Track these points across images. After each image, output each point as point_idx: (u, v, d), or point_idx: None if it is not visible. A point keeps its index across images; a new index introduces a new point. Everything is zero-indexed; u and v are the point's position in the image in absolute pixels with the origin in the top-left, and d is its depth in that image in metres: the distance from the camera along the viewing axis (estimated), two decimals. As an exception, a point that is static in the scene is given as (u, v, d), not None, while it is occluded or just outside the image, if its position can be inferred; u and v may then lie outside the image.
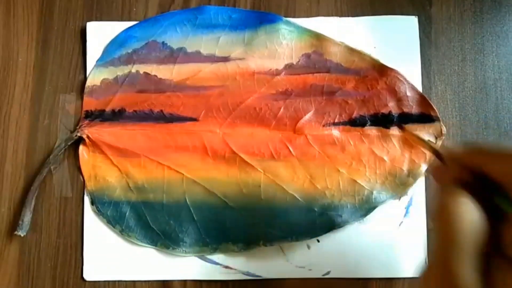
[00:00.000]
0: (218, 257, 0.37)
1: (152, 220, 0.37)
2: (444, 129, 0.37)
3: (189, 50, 0.38)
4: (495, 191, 0.20)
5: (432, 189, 0.38)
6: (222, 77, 0.38)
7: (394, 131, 0.38)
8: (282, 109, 0.38)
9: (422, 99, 0.38)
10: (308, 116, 0.38)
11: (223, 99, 0.38)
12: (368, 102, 0.38)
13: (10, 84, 0.39)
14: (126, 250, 0.37)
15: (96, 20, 0.40)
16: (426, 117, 0.38)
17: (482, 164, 0.20)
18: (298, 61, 0.38)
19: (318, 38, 0.38)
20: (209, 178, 0.37)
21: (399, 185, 0.37)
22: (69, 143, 0.38)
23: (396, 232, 0.37)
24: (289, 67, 0.38)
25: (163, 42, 0.39)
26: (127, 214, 0.37)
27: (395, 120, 0.38)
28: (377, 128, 0.38)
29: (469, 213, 0.18)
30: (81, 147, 0.38)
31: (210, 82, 0.38)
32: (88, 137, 0.38)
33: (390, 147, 0.38)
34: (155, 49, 0.38)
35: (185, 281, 0.37)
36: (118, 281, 0.37)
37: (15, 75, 0.39)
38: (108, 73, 0.38)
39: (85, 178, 0.38)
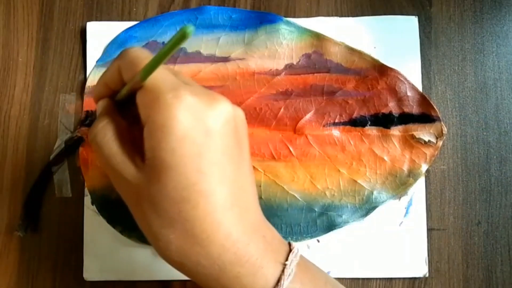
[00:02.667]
0: (218, 257, 0.37)
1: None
2: (445, 129, 0.37)
3: (189, 50, 0.38)
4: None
5: (430, 189, 0.38)
6: (222, 77, 0.38)
7: (395, 131, 0.38)
8: (282, 109, 0.38)
9: (423, 99, 0.38)
10: (308, 116, 0.38)
11: (223, 99, 0.38)
12: (369, 102, 0.38)
13: (10, 84, 0.39)
14: (126, 250, 0.37)
15: (96, 20, 0.40)
16: (426, 117, 0.38)
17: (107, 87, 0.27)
18: (299, 61, 0.38)
19: (318, 38, 0.38)
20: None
21: (399, 185, 0.37)
22: (69, 143, 0.38)
23: (396, 232, 0.37)
24: (289, 67, 0.38)
25: (163, 43, 0.39)
26: (127, 214, 0.37)
27: (395, 120, 0.38)
28: (377, 128, 0.38)
29: (103, 132, 0.25)
30: (81, 147, 0.38)
31: (210, 82, 0.38)
32: (88, 137, 0.38)
33: (391, 147, 0.38)
34: (155, 49, 0.38)
35: (185, 281, 0.37)
36: (118, 281, 0.37)
37: (15, 75, 0.39)
38: (108, 73, 0.38)
39: (85, 178, 0.38)
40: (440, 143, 0.37)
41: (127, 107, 0.27)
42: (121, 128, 0.26)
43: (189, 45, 0.39)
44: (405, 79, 0.38)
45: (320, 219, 0.37)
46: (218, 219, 0.24)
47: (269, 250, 0.25)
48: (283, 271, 0.25)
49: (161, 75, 0.24)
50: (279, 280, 0.24)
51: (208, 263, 0.24)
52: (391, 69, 0.38)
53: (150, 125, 0.23)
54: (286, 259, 0.25)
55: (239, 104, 0.38)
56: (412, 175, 0.37)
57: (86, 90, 0.38)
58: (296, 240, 0.37)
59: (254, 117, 0.38)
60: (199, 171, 0.23)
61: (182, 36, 0.20)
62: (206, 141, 0.23)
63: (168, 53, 0.22)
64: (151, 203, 0.24)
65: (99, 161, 0.26)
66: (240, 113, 0.26)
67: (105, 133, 0.25)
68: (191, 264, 0.24)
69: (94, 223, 0.37)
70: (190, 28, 0.19)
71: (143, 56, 0.24)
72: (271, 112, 0.38)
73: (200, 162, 0.23)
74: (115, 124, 0.26)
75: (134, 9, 0.40)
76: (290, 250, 0.26)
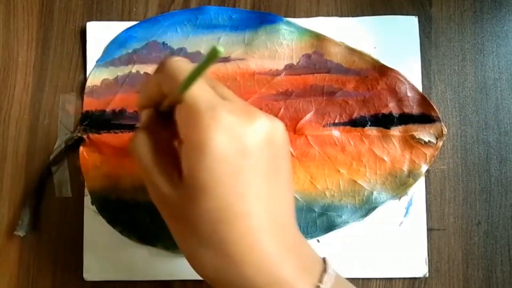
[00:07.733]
0: (218, 257, 0.37)
1: (152, 220, 0.37)
2: (445, 129, 0.37)
3: (189, 51, 0.38)
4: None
5: (430, 189, 0.38)
6: (223, 77, 0.38)
7: (395, 131, 0.38)
8: (282, 110, 0.38)
9: (423, 100, 0.38)
10: (308, 116, 0.38)
11: (223, 99, 0.38)
12: (369, 102, 0.38)
13: (10, 84, 0.39)
14: (126, 250, 0.37)
15: (96, 20, 0.40)
16: (426, 118, 0.38)
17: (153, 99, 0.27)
18: (299, 62, 0.38)
19: (319, 38, 0.38)
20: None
21: (399, 185, 0.37)
22: (69, 143, 0.38)
23: (396, 232, 0.37)
24: (289, 68, 0.38)
25: (163, 43, 0.39)
26: (127, 214, 0.37)
27: (395, 120, 0.38)
28: (377, 129, 0.38)
29: (142, 145, 0.26)
30: (81, 147, 0.38)
31: (210, 82, 0.38)
32: (88, 137, 0.38)
33: (391, 148, 0.38)
34: (156, 49, 0.38)
35: (185, 281, 0.37)
36: (118, 281, 0.37)
37: (15, 75, 0.39)
38: (109, 73, 0.38)
39: (85, 178, 0.38)
40: (440, 143, 0.37)
41: (172, 117, 0.26)
42: (161, 141, 0.26)
43: (189, 45, 0.39)
44: (405, 79, 0.38)
45: (320, 219, 0.37)
46: (254, 240, 0.24)
47: (303, 270, 0.25)
48: None
49: (199, 92, 0.24)
50: None
51: (242, 282, 0.24)
52: (391, 69, 0.38)
53: (188, 145, 0.23)
54: (320, 280, 0.25)
55: (239, 104, 0.38)
56: (412, 175, 0.37)
57: (86, 90, 0.38)
58: (296, 240, 0.37)
59: (254, 117, 0.38)
60: (236, 193, 0.23)
61: (212, 55, 0.21)
62: (243, 162, 0.23)
63: (201, 71, 0.22)
64: (187, 221, 0.24)
65: (139, 172, 0.27)
66: (279, 127, 0.25)
67: (144, 147, 0.26)
68: (224, 282, 0.25)
69: (94, 223, 0.37)
70: (220, 49, 0.20)
71: (182, 69, 0.24)
72: (271, 112, 0.38)
73: (237, 183, 0.23)
74: (154, 137, 0.26)
75: (134, 9, 0.40)
76: (325, 270, 0.26)
